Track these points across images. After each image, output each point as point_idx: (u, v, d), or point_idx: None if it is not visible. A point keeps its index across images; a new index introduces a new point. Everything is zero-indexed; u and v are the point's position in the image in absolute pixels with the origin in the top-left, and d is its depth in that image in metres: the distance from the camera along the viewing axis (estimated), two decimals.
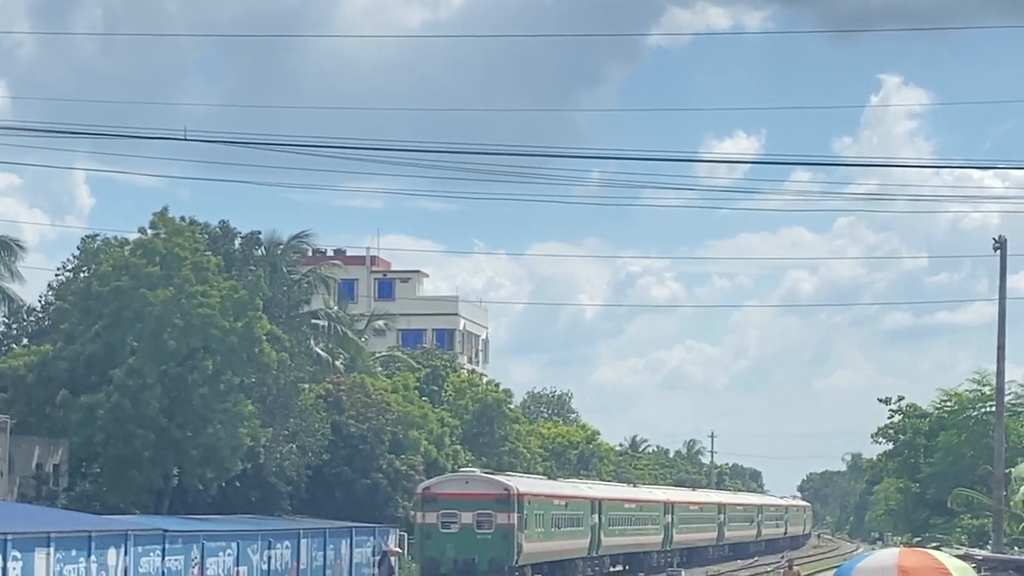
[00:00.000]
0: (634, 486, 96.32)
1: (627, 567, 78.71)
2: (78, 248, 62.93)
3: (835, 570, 27.85)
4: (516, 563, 60.31)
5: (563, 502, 68.09)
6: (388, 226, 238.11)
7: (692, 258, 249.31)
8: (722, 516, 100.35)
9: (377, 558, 61.31)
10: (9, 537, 43.03)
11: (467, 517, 59.64)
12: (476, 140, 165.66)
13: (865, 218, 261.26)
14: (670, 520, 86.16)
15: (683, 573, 78.65)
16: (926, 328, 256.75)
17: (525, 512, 61.04)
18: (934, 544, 46.83)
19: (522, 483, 64.46)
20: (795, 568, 49.11)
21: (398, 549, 61.54)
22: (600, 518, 72.27)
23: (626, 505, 79.82)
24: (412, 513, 62.04)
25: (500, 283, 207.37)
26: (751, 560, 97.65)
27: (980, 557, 34.70)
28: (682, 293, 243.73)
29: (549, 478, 78.96)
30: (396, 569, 60.39)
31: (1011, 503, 52.55)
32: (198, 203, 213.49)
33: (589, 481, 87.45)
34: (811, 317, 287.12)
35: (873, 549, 48.23)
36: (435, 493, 60.77)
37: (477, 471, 65.73)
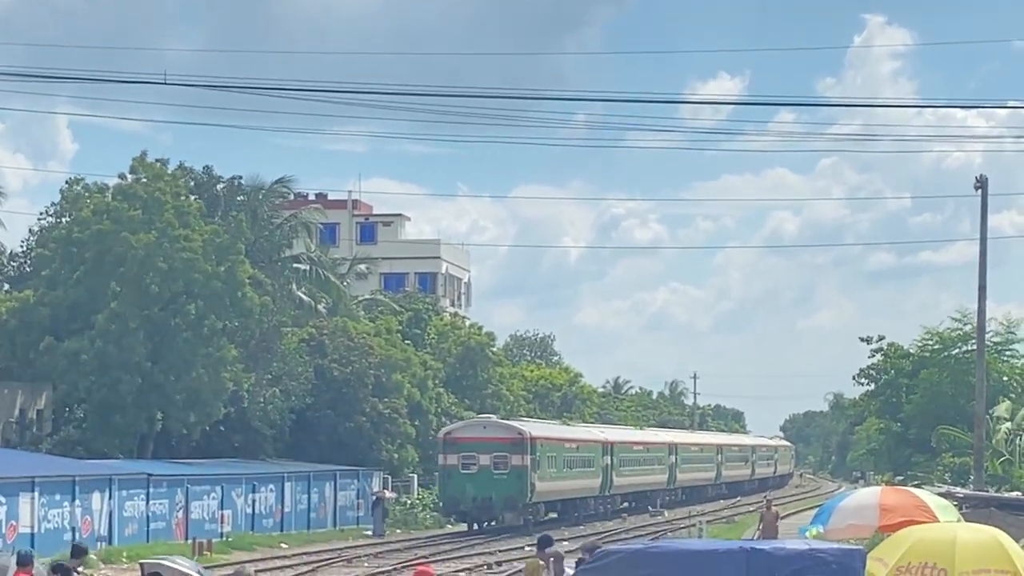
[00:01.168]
0: (640, 429, 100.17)
1: (633, 504, 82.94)
2: (61, 194, 62.72)
3: (817, 509, 27.99)
4: (529, 500, 65.04)
5: (575, 445, 73.18)
6: (372, 170, 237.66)
7: (676, 200, 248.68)
8: (720, 456, 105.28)
9: (371, 500, 63.56)
10: None
11: (485, 459, 64.14)
12: (461, 83, 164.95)
13: (848, 158, 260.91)
14: (674, 460, 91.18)
15: (666, 513, 79.12)
16: (909, 268, 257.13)
17: (538, 454, 65.73)
18: (916, 482, 47.11)
19: (535, 428, 69.50)
20: (773, 508, 49.13)
21: (392, 493, 65.44)
22: (611, 459, 77.22)
23: (635, 447, 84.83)
24: (436, 455, 67.15)
25: (484, 226, 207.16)
26: (734, 500, 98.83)
27: (961, 495, 34.89)
28: (666, 235, 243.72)
29: (564, 423, 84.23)
30: (388, 511, 63.12)
31: (992, 441, 52.82)
32: (181, 148, 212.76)
33: (602, 425, 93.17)
34: (794, 258, 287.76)
35: (855, 488, 48.43)
36: (456, 437, 65.30)
37: (494, 417, 70.74)
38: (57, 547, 24.51)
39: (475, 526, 64.59)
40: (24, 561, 22.66)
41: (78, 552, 23.26)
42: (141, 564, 23.65)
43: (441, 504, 66.66)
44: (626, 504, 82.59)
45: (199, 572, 23.13)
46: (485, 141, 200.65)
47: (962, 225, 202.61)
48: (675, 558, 17.00)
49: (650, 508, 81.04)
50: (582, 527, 67.78)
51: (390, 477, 69.78)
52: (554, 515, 71.07)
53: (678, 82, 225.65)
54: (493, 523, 64.66)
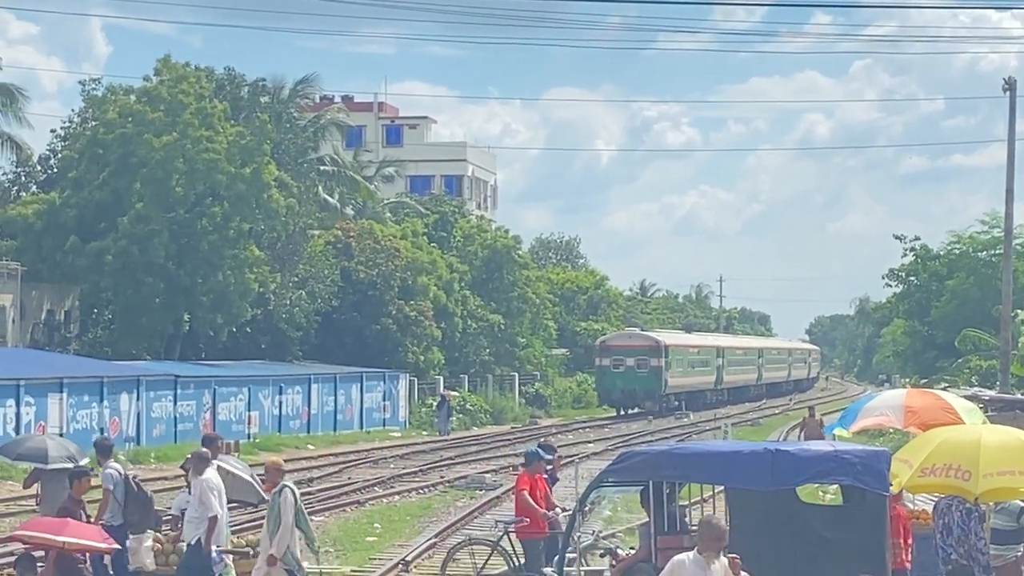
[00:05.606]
0: (735, 335, 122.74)
1: (732, 397, 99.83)
2: (80, 95, 62.75)
3: (843, 410, 28.00)
4: (663, 392, 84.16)
5: (696, 350, 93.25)
6: (401, 73, 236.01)
7: (708, 102, 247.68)
8: (791, 358, 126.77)
9: (437, 400, 67.45)
10: (22, 383, 43.49)
11: (630, 361, 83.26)
12: None
13: (882, 61, 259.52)
14: (761, 362, 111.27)
15: (691, 415, 79.48)
16: (940, 171, 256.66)
17: (669, 357, 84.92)
18: (942, 385, 47.05)
19: (668, 337, 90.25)
20: (817, 416, 48.34)
21: (455, 393, 70.59)
22: (722, 361, 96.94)
23: (737, 351, 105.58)
24: (595, 359, 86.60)
25: (515, 129, 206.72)
26: (788, 398, 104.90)
27: (987, 397, 34.91)
28: (697, 138, 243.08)
29: (688, 332, 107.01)
30: (452, 411, 66.93)
31: (1019, 344, 52.70)
32: (209, 51, 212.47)
33: (715, 334, 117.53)
34: (825, 161, 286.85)
35: (880, 391, 48.42)
36: (608, 344, 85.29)
37: (637, 330, 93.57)
38: (85, 448, 24.29)
39: (622, 411, 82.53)
40: (530, 460, 21.74)
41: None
42: (187, 458, 23.63)
43: (597, 395, 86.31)
44: (730, 397, 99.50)
45: (251, 475, 23.05)
46: (516, 43, 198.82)
47: (996, 128, 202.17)
48: (700, 459, 17.01)
49: (676, 412, 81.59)
50: (700, 412, 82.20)
51: (416, 379, 70.08)
52: (677, 403, 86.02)
53: None
54: (636, 408, 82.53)
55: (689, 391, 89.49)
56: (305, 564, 19.45)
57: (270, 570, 18.72)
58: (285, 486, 18.84)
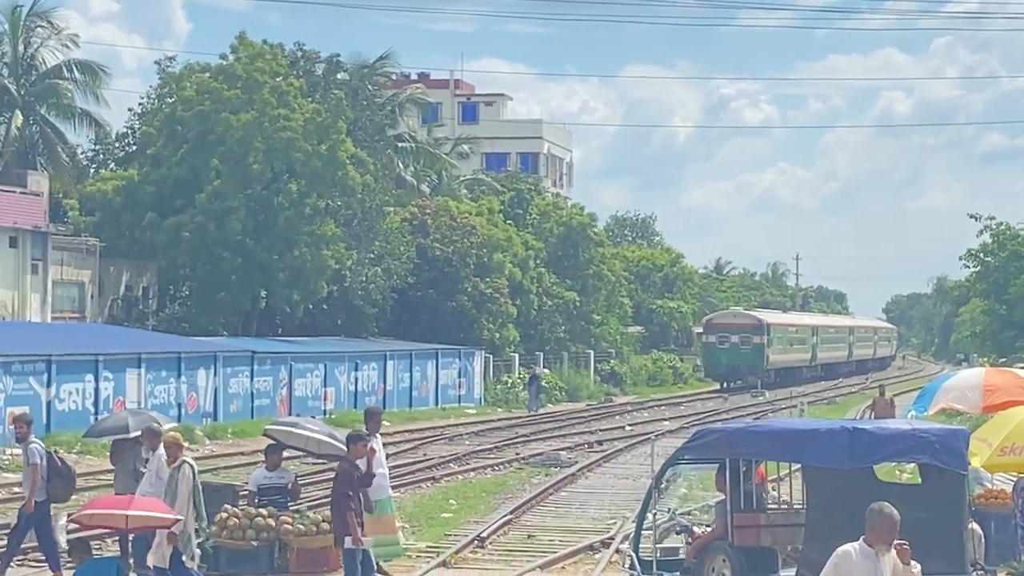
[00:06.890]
0: (826, 314, 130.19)
1: (824, 373, 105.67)
2: (157, 73, 63.20)
3: (921, 388, 27.81)
4: (765, 368, 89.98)
5: (795, 328, 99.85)
6: (478, 50, 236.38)
7: (787, 79, 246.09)
8: (875, 336, 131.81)
9: (528, 378, 68.19)
10: (101, 358, 43.88)
11: (735, 338, 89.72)
12: None
13: (963, 38, 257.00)
14: (851, 340, 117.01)
15: (766, 393, 79.12)
16: (1021, 149, 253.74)
17: (771, 335, 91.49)
18: (1020, 365, 46.56)
19: (770, 316, 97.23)
20: (887, 395, 47.28)
21: (545, 370, 71.76)
22: (817, 339, 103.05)
23: (830, 329, 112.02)
24: (701, 337, 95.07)
25: (593, 107, 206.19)
26: (865, 377, 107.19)
27: None
28: (776, 116, 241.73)
29: (784, 312, 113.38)
30: (543, 388, 67.79)
31: None
32: (285, 27, 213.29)
33: (810, 313, 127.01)
34: (904, 139, 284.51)
35: (958, 370, 47.96)
36: (714, 323, 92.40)
37: (741, 309, 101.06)
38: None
39: (726, 384, 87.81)
40: None
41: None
42: (267, 429, 23.70)
43: (703, 370, 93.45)
44: (823, 373, 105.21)
45: (330, 434, 22.91)
46: (594, 20, 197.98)
47: None
48: (776, 437, 16.94)
49: (752, 391, 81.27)
50: (799, 387, 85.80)
51: (491, 356, 70.10)
52: (778, 379, 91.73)
53: None
54: (739, 382, 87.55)
55: (787, 367, 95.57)
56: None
57: (163, 544, 18.55)
58: (185, 461, 18.75)
